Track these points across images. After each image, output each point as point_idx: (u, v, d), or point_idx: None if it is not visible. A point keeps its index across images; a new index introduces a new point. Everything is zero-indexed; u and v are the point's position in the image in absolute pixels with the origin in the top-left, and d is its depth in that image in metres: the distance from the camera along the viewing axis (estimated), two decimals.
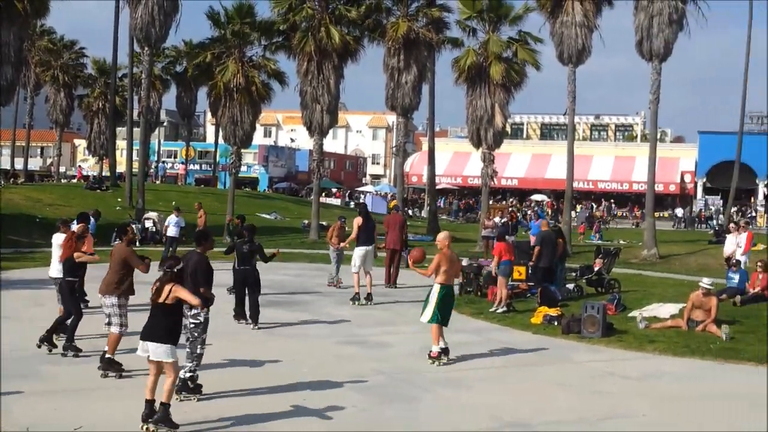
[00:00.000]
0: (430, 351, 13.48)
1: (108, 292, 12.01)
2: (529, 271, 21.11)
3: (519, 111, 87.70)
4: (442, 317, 13.44)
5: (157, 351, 9.60)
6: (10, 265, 24.34)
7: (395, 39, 37.51)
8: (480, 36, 36.86)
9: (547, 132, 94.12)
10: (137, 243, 31.68)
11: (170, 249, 26.73)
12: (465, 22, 37.46)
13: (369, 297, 19.74)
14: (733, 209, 47.96)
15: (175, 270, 9.84)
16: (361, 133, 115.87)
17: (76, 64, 63.96)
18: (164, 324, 9.70)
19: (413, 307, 19.12)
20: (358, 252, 20.09)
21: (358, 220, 20.60)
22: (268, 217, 46.55)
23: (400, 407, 10.85)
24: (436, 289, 13.43)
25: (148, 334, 9.71)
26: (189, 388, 10.77)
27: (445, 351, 13.49)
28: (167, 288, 9.70)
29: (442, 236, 13.97)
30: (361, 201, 63.53)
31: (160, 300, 9.71)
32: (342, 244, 22.59)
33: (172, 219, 28.45)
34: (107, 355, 11.83)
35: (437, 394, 11.64)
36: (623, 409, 11.08)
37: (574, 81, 35.16)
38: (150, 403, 9.53)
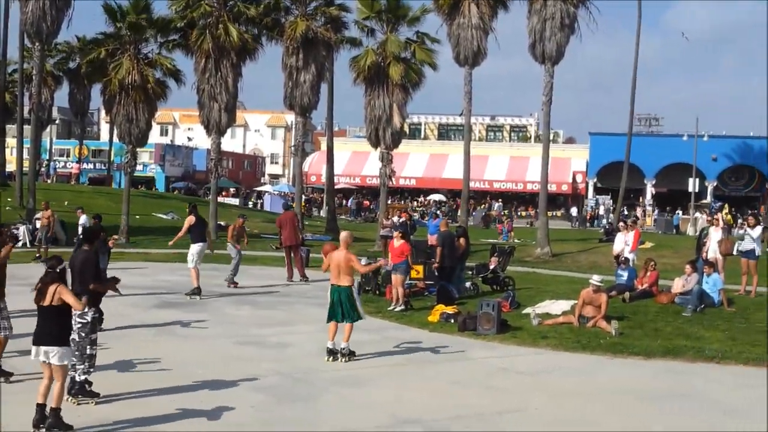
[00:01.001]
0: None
1: None
2: (427, 270, 21.36)
3: (417, 111, 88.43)
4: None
5: (53, 355, 9.41)
6: None
7: (294, 38, 37.39)
8: (378, 36, 37.09)
9: (445, 132, 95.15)
10: (27, 244, 30.88)
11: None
12: (363, 22, 37.62)
13: (198, 291, 20.18)
14: (623, 208, 49.44)
15: (58, 270, 9.62)
16: (260, 133, 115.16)
17: None
18: (54, 326, 9.50)
19: (311, 307, 19.24)
20: (196, 249, 20.60)
21: (190, 219, 21.25)
22: (164, 217, 45.85)
23: (299, 407, 10.88)
24: (351, 289, 13.68)
25: (40, 339, 9.50)
26: (86, 391, 10.57)
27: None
28: (51, 289, 9.48)
29: (345, 235, 14.21)
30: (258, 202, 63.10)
31: (46, 303, 9.49)
32: (239, 246, 22.80)
33: (83, 219, 27.71)
34: None
35: (336, 393, 11.71)
36: (517, 404, 11.35)
37: (471, 82, 35.72)
38: (41, 407, 9.32)
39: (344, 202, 71.96)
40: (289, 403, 11.00)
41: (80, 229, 26.45)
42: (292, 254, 24.72)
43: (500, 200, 74.74)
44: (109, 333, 14.45)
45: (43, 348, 9.44)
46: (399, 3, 36.55)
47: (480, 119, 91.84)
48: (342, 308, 13.61)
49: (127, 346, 13.97)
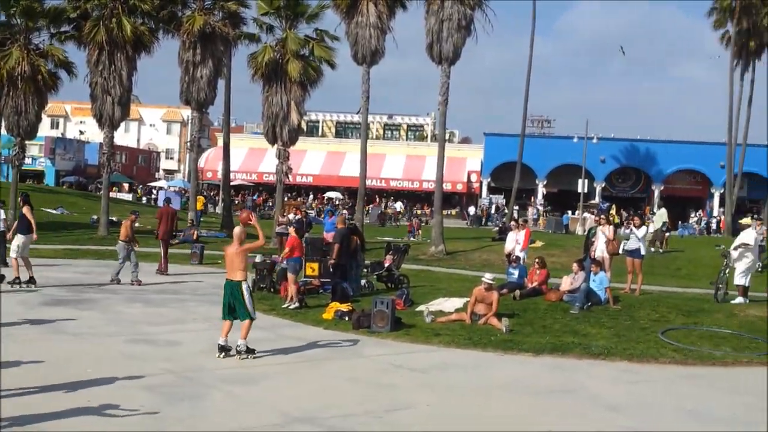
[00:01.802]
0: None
1: None
2: (322, 268, 21.36)
3: (315, 109, 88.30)
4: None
5: None
6: None
7: (191, 32, 36.97)
8: (277, 33, 36.97)
9: (342, 130, 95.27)
10: None
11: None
12: (262, 18, 37.40)
13: (32, 280, 20.59)
14: (515, 207, 50.44)
15: None
16: (155, 127, 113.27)
17: None
18: None
19: (203, 305, 19.06)
20: (22, 239, 21.08)
21: (27, 209, 21.90)
22: (54, 212, 44.64)
23: (189, 405, 10.74)
24: (245, 286, 13.66)
25: None
26: None
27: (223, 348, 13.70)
28: None
29: (238, 231, 14.09)
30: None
31: None
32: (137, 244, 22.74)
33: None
34: None
35: (227, 391, 11.61)
36: (409, 401, 11.44)
37: (369, 81, 35.90)
38: None
39: (242, 198, 71.27)
40: (179, 402, 10.85)
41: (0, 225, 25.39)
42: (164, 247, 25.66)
43: (404, 200, 75.26)
44: None
45: None
46: (298, 0, 36.43)
47: (378, 118, 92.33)
48: (232, 304, 13.58)
49: (12, 345, 13.54)
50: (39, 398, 10.58)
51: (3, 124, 37.38)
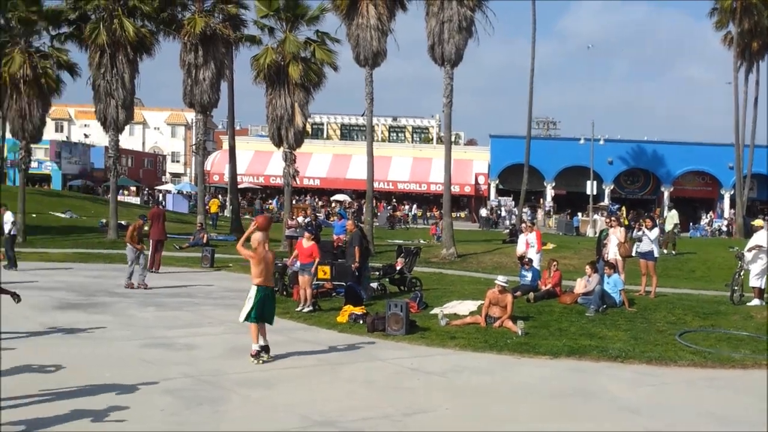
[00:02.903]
0: (251, 350, 13.56)
1: None
2: (334, 271, 21.27)
3: (319, 111, 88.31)
4: (257, 316, 13.49)
5: None
6: None
7: (192, 34, 36.94)
8: (278, 35, 36.95)
9: (347, 132, 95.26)
10: None
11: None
12: (262, 20, 37.35)
13: None
14: (525, 210, 50.29)
15: None
16: (160, 130, 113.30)
17: None
18: None
19: (217, 308, 19.02)
20: None
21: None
22: (62, 215, 44.60)
23: (208, 409, 10.66)
24: (254, 291, 13.51)
25: None
26: None
27: (264, 348, 13.61)
28: None
29: (257, 236, 13.91)
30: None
31: None
32: (141, 246, 22.59)
33: (8, 217, 26.34)
34: None
35: (245, 395, 11.53)
36: (427, 404, 11.36)
37: (372, 83, 35.77)
38: None
39: (249, 201, 71.25)
40: (198, 406, 10.78)
41: (6, 228, 25.47)
42: (158, 247, 26.81)
43: (409, 202, 75.15)
44: (7, 337, 13.93)
45: None
46: (297, 2, 36.46)
47: (382, 120, 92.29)
48: (265, 308, 13.58)
49: (28, 349, 13.50)
50: (57, 403, 10.51)
51: (8, 128, 37.37)
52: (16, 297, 10.78)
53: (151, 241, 26.16)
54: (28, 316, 16.59)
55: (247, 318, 13.56)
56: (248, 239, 13.87)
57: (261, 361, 13.42)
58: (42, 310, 17.61)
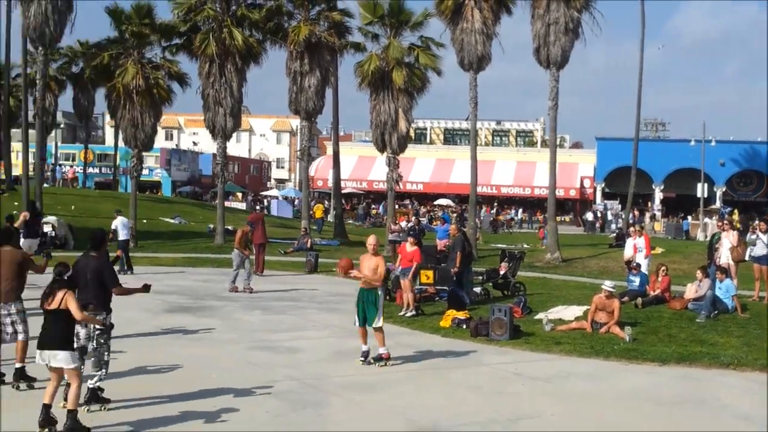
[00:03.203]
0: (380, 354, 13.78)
1: (13, 298, 11.54)
2: (437, 275, 21.20)
3: (423, 116, 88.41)
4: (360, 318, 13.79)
5: (58, 358, 9.39)
6: None
7: (297, 42, 37.35)
8: (382, 41, 37.05)
9: (451, 137, 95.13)
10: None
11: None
12: (366, 27, 37.58)
13: None
14: (632, 213, 49.20)
15: (65, 277, 9.66)
16: (265, 137, 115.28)
17: None
18: (60, 330, 9.49)
19: (321, 313, 19.20)
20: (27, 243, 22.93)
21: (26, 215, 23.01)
22: (171, 221, 45.78)
23: (313, 413, 10.77)
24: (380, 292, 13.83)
25: (45, 343, 9.48)
26: (98, 398, 10.44)
27: (364, 353, 13.83)
28: (60, 295, 9.50)
29: (372, 240, 14.23)
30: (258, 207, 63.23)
31: (53, 306, 9.48)
32: (247, 252, 23.21)
33: (122, 222, 26.98)
34: (18, 365, 11.35)
35: (349, 398, 11.59)
36: (533, 410, 11.22)
37: (476, 87, 35.56)
38: (46, 408, 9.30)
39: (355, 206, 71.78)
40: (303, 409, 10.89)
41: (122, 234, 26.18)
42: (261, 250, 27.29)
43: (514, 207, 74.53)
44: (122, 339, 14.34)
45: (47, 352, 9.44)
46: (401, 8, 36.50)
47: (486, 124, 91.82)
48: (367, 311, 13.70)
49: (139, 351, 13.88)
50: (168, 405, 10.76)
51: (121, 136, 38.44)
52: (146, 288, 11.10)
53: (254, 245, 26.55)
54: (141, 319, 17.05)
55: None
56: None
57: (364, 364, 13.57)
58: (154, 313, 18.07)
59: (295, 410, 10.83)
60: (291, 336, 16.21)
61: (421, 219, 47.89)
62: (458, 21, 34.83)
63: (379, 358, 13.70)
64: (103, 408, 10.36)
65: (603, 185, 74.03)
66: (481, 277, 22.79)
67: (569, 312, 18.79)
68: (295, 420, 10.43)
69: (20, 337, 11.50)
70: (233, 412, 10.43)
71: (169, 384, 11.81)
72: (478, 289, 21.78)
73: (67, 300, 9.50)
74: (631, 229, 26.15)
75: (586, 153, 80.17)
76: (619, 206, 66.38)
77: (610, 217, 66.30)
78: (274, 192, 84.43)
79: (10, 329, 11.59)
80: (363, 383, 12.45)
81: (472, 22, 34.46)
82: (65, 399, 9.63)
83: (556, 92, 33.90)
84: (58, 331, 9.47)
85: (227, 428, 9.93)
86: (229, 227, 38.03)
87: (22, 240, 22.66)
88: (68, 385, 9.51)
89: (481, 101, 36.38)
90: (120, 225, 26.69)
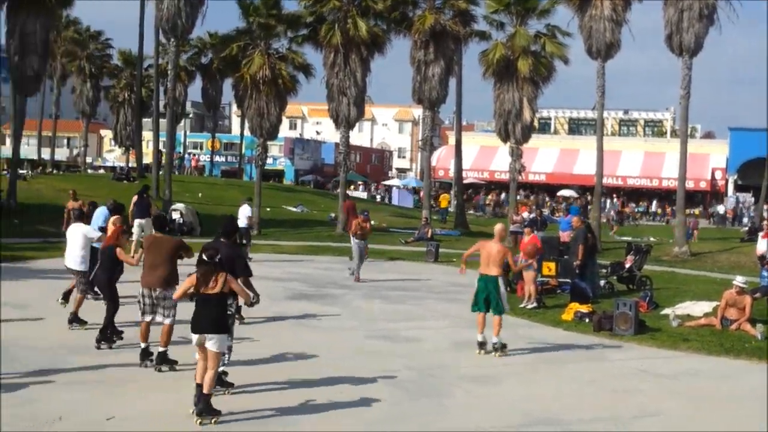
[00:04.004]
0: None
1: (169, 285, 11.63)
2: (559, 268, 20.82)
3: (547, 105, 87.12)
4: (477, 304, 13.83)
5: (214, 341, 9.57)
6: (38, 255, 24.37)
7: (422, 32, 37.33)
8: (508, 29, 36.77)
9: (575, 127, 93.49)
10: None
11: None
12: (492, 15, 37.28)
13: None
14: (766, 207, 47.14)
15: (217, 260, 9.68)
16: (387, 126, 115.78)
17: (102, 55, 64.32)
18: (219, 314, 9.69)
19: (441, 303, 19.14)
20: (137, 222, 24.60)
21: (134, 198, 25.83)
22: (294, 209, 46.51)
23: (431, 402, 10.72)
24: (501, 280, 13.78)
25: (203, 326, 9.62)
26: (222, 381, 10.63)
27: (480, 344, 13.79)
28: (221, 278, 9.61)
29: (499, 228, 14.35)
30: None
31: (215, 290, 9.59)
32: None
33: (242, 210, 27.53)
34: (161, 349, 11.62)
35: (468, 389, 11.48)
36: (657, 408, 10.88)
37: (603, 75, 34.85)
38: (200, 387, 9.52)
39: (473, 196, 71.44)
40: (421, 399, 10.85)
41: (244, 221, 26.59)
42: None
43: (654, 200, 72.65)
44: (245, 325, 14.60)
45: (206, 335, 9.58)
46: None
47: (613, 114, 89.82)
48: (488, 298, 13.59)
49: (262, 337, 14.09)
50: (289, 391, 10.88)
51: (247, 126, 39.20)
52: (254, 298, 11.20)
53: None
54: (262, 306, 17.10)
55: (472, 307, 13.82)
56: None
57: (484, 353, 13.53)
58: (275, 300, 18.32)
59: (413, 399, 10.81)
60: (410, 325, 16.19)
61: (543, 210, 47.24)
62: (587, 8, 34.19)
63: (499, 347, 13.58)
64: (227, 392, 10.54)
65: (735, 177, 71.34)
66: (605, 270, 22.29)
67: (698, 308, 18.17)
68: (413, 409, 10.40)
69: (168, 321, 11.64)
70: (353, 401, 10.47)
71: (289, 370, 11.96)
72: (602, 283, 21.28)
73: (230, 282, 9.67)
74: (765, 223, 25.09)
75: (718, 143, 77.37)
76: (752, 199, 63.85)
77: (743, 210, 63.89)
78: (395, 182, 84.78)
79: (148, 309, 11.73)
80: (482, 375, 12.32)
81: (601, 8, 33.80)
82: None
83: (688, 80, 32.86)
84: (217, 315, 9.64)
85: (346, 415, 9.98)
86: None
87: (136, 221, 24.46)
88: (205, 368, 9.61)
89: (608, 90, 35.47)
90: (240, 213, 27.15)
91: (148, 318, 11.77)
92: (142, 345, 11.84)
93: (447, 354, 13.63)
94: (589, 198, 56.86)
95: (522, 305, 18.49)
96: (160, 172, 41.55)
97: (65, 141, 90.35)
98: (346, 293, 20.14)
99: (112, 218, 15.66)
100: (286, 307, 17.49)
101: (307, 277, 22.67)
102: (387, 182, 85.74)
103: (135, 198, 25.69)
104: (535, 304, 18.45)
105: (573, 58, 38.02)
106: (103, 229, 16.04)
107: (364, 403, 10.40)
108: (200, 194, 44.68)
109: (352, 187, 72.75)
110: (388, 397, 10.73)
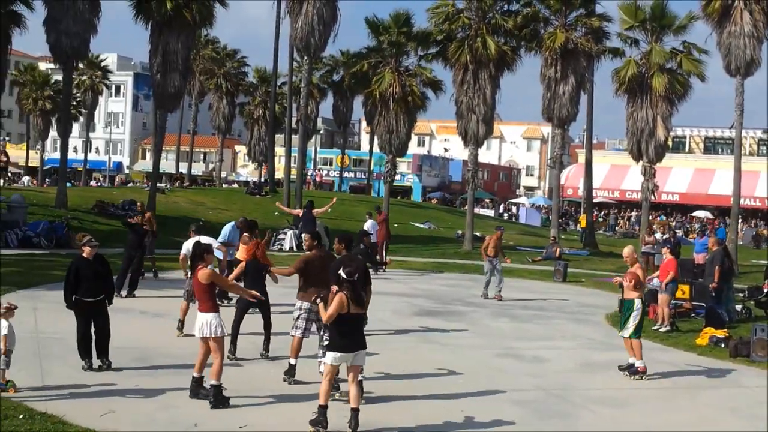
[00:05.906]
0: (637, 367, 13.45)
1: (307, 297, 11.66)
2: (693, 291, 20.23)
3: (681, 124, 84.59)
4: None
5: (360, 356, 9.77)
6: (175, 266, 25.14)
7: (552, 49, 36.96)
8: (642, 46, 36.04)
9: (711, 146, 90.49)
10: (294, 248, 32.37)
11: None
12: (626, 32, 36.61)
13: None
14: None
15: (355, 278, 9.71)
16: (515, 144, 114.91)
17: (237, 72, 66.43)
18: (363, 331, 9.94)
19: (570, 323, 18.85)
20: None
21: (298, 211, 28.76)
22: (422, 226, 46.68)
23: (560, 423, 10.60)
24: (639, 303, 13.55)
25: (360, 345, 9.78)
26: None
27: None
28: (369, 298, 9.97)
29: (628, 250, 14.14)
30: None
31: (364, 310, 9.93)
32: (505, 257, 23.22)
33: (370, 223, 28.93)
34: (293, 361, 11.74)
35: (597, 412, 11.28)
36: None
37: (742, 93, 33.71)
38: (323, 409, 9.64)
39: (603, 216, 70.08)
40: (549, 419, 10.73)
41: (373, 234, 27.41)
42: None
43: None
44: (372, 339, 14.70)
45: (358, 353, 9.72)
46: (664, 12, 35.36)
47: (751, 132, 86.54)
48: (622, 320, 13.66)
49: (388, 352, 14.17)
50: (418, 404, 10.94)
51: (376, 142, 39.70)
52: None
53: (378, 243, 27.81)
54: (389, 320, 17.43)
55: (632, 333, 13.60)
56: None
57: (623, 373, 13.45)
58: (403, 316, 18.44)
59: (541, 419, 10.70)
60: (538, 345, 16.01)
61: (677, 231, 45.97)
62: (726, 24, 33.19)
63: (633, 371, 13.33)
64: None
65: None
66: (742, 294, 21.51)
67: None
68: (540, 430, 10.28)
69: (307, 334, 11.76)
70: (480, 420, 10.44)
71: (414, 385, 12.02)
72: (738, 307, 20.54)
73: (368, 301, 9.99)
74: None
75: None
76: None
77: None
78: (522, 200, 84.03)
79: (301, 324, 11.76)
80: (612, 397, 12.09)
81: (741, 24, 32.74)
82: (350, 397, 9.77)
83: None
84: (362, 331, 9.88)
85: None
86: (477, 234, 38.21)
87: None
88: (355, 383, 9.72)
89: (747, 108, 34.25)
90: (369, 226, 28.02)
91: (302, 333, 11.79)
92: (292, 361, 11.79)
93: (576, 375, 13.46)
94: (727, 220, 54.97)
95: (654, 327, 18.02)
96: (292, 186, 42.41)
97: (202, 156, 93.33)
98: (474, 311, 20.05)
99: (243, 236, 15.93)
100: (413, 323, 17.58)
101: (435, 293, 22.70)
102: (514, 200, 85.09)
103: (301, 212, 28.46)
104: (668, 328, 17.96)
105: (710, 75, 36.88)
106: (226, 244, 16.77)
107: (490, 422, 10.37)
108: (329, 209, 45.22)
109: (480, 204, 72.60)
110: (516, 417, 10.62)
